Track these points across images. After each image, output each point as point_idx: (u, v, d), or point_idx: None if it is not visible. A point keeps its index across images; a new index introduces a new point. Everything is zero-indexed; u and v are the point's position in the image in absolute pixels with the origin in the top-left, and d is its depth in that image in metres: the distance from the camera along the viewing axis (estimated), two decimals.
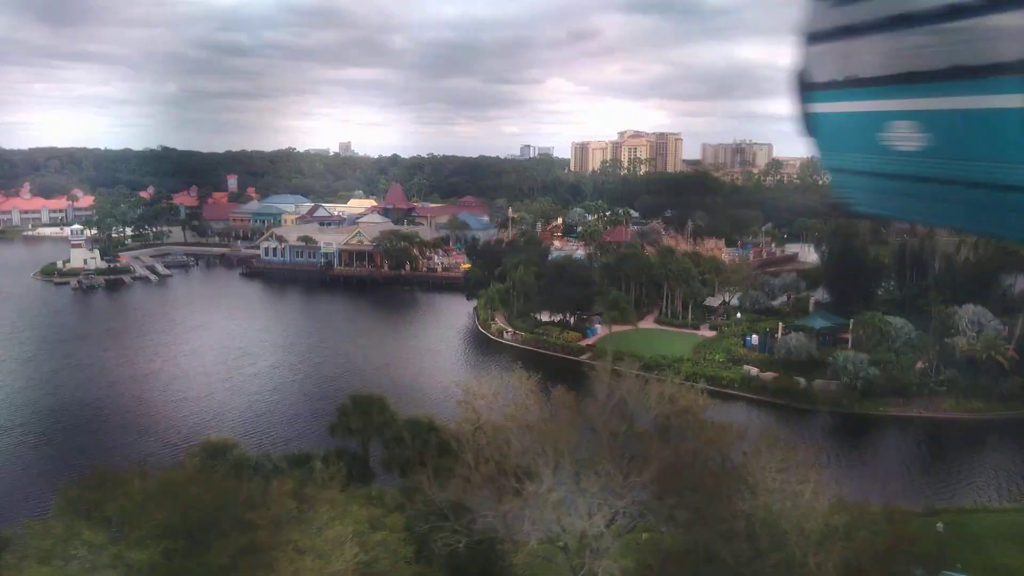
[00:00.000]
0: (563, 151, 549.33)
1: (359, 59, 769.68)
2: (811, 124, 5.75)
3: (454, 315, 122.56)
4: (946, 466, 63.37)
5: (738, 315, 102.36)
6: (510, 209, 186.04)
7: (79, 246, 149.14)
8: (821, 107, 5.69)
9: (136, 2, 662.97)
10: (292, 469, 38.87)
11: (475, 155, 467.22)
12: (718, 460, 25.81)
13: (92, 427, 67.23)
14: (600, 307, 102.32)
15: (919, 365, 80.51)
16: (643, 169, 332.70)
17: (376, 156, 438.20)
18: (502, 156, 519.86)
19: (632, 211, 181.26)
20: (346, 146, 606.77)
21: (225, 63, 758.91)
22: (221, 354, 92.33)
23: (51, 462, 58.38)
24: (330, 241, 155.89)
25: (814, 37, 5.60)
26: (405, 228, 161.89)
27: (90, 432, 65.87)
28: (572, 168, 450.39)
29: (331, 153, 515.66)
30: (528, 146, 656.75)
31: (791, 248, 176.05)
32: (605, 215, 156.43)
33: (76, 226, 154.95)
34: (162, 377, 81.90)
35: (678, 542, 23.52)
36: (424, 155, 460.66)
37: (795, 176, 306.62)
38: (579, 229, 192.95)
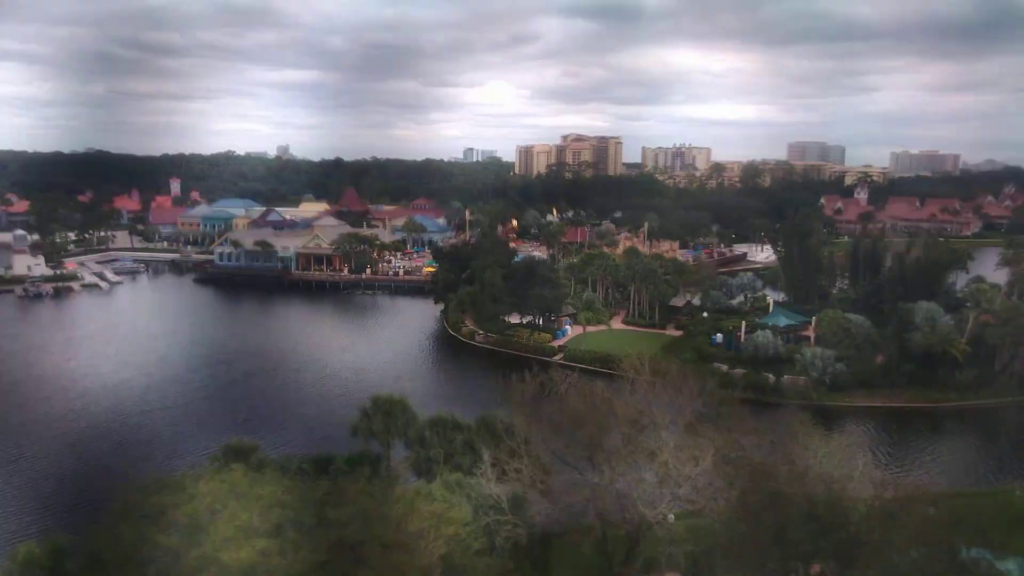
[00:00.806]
0: (506, 154, 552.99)
1: (296, 61, 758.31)
2: None
3: (420, 318, 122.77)
4: (909, 453, 66.97)
5: (704, 314, 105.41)
6: (468, 211, 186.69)
7: (23, 252, 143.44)
8: None
9: None
10: (317, 472, 39.23)
11: (417, 158, 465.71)
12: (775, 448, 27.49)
13: (69, 439, 65.41)
14: (572, 308, 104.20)
15: (879, 359, 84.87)
16: (589, 172, 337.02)
17: (318, 159, 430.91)
18: (445, 159, 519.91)
19: (581, 212, 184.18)
20: (284, 149, 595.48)
21: (156, 63, 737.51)
22: (192, 362, 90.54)
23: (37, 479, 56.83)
24: (287, 245, 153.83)
25: None
26: (364, 231, 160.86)
27: (69, 444, 64.12)
28: (517, 171, 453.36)
29: (269, 156, 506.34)
30: (471, 149, 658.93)
31: (739, 248, 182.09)
32: (566, 216, 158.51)
33: (19, 231, 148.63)
34: (135, 387, 79.89)
35: (738, 526, 25.05)
36: (367, 158, 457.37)
37: (736, 179, 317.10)
38: (533, 230, 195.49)
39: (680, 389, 33.11)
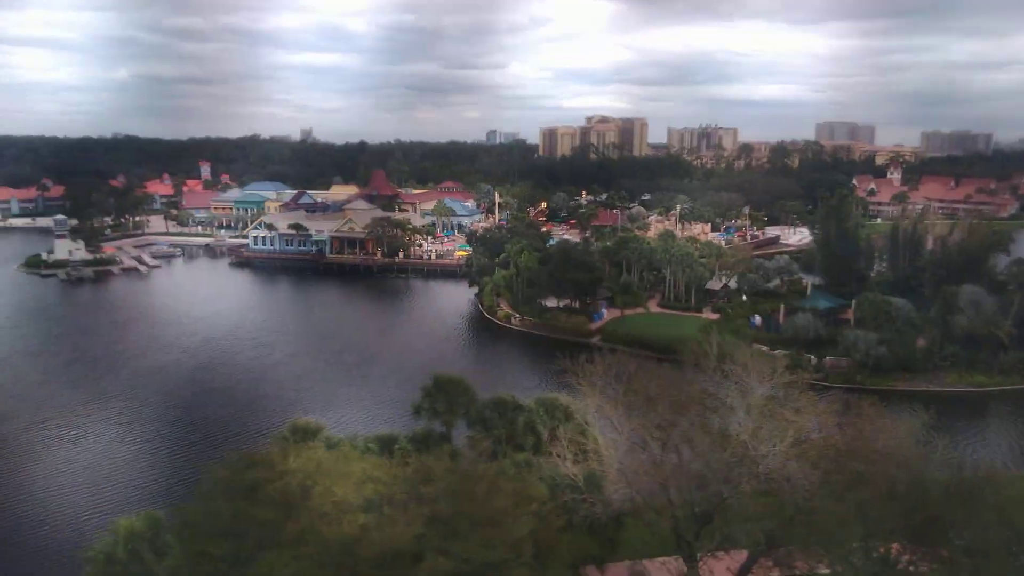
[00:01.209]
0: (528, 135, 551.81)
1: (317, 44, 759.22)
2: None
3: (455, 301, 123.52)
4: (959, 437, 66.74)
5: (743, 297, 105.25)
6: (497, 194, 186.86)
7: (63, 237, 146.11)
8: None
9: None
10: (382, 450, 40.11)
11: (439, 141, 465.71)
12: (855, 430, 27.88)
13: (124, 419, 67.17)
14: (609, 291, 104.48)
15: (920, 343, 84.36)
16: (617, 153, 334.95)
17: (342, 143, 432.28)
18: (468, 141, 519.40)
19: (613, 194, 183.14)
20: (307, 132, 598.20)
21: (179, 48, 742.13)
22: (236, 345, 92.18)
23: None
24: (321, 229, 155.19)
25: None
26: (396, 215, 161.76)
27: (125, 424, 65.88)
28: (541, 152, 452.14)
29: (292, 139, 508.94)
30: (494, 131, 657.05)
31: (771, 231, 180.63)
32: (598, 199, 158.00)
33: (60, 216, 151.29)
34: (183, 369, 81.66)
35: (820, 505, 25.50)
36: (391, 141, 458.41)
37: (765, 160, 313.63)
38: (562, 213, 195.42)
39: (749, 371, 33.46)
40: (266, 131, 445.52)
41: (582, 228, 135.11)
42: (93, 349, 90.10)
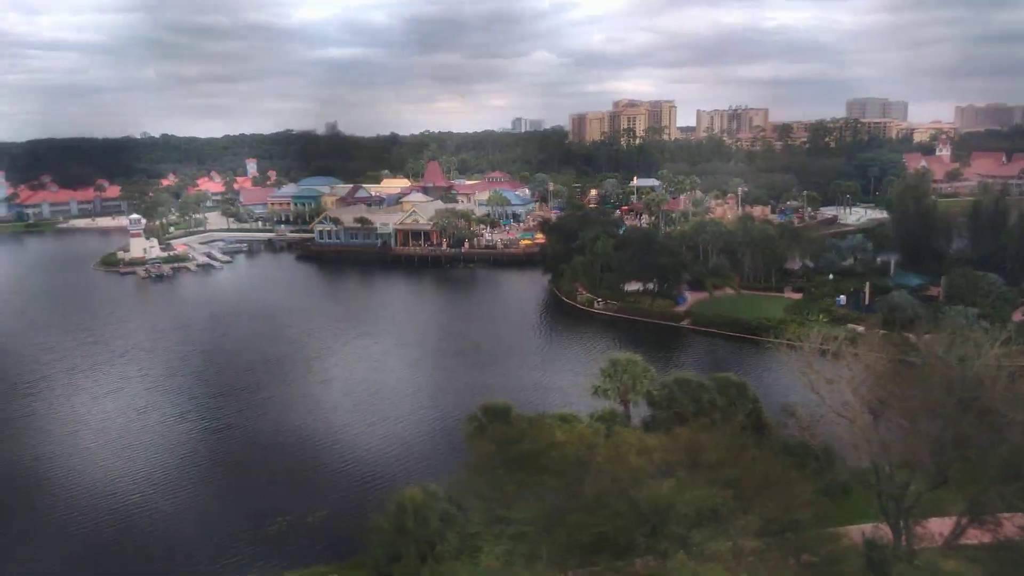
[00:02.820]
0: (552, 121, 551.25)
1: (340, 38, 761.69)
2: None
3: (530, 289, 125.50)
4: None
5: (830, 276, 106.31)
6: (551, 184, 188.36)
7: (138, 236, 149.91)
8: None
9: None
10: (563, 425, 42.25)
11: (466, 131, 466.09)
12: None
13: (268, 409, 70.01)
14: (695, 274, 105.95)
15: (1016, 317, 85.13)
16: (656, 136, 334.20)
17: (373, 135, 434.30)
18: (496, 130, 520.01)
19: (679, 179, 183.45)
20: (332, 126, 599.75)
21: (204, 47, 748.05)
22: (337, 335, 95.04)
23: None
24: (386, 221, 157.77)
25: None
26: (460, 206, 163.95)
27: (262, 414, 68.72)
28: (571, 139, 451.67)
29: (318, 134, 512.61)
30: (519, 119, 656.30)
31: (825, 211, 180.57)
32: (673, 184, 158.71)
33: (135, 216, 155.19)
34: (300, 359, 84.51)
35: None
36: (419, 132, 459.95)
37: (803, 139, 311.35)
38: (612, 200, 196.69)
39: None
40: (291, 125, 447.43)
41: (650, 213, 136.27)
42: (201, 343, 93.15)
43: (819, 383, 36.26)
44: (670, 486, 25.70)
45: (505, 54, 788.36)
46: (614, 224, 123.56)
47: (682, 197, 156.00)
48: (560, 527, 26.53)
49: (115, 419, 68.84)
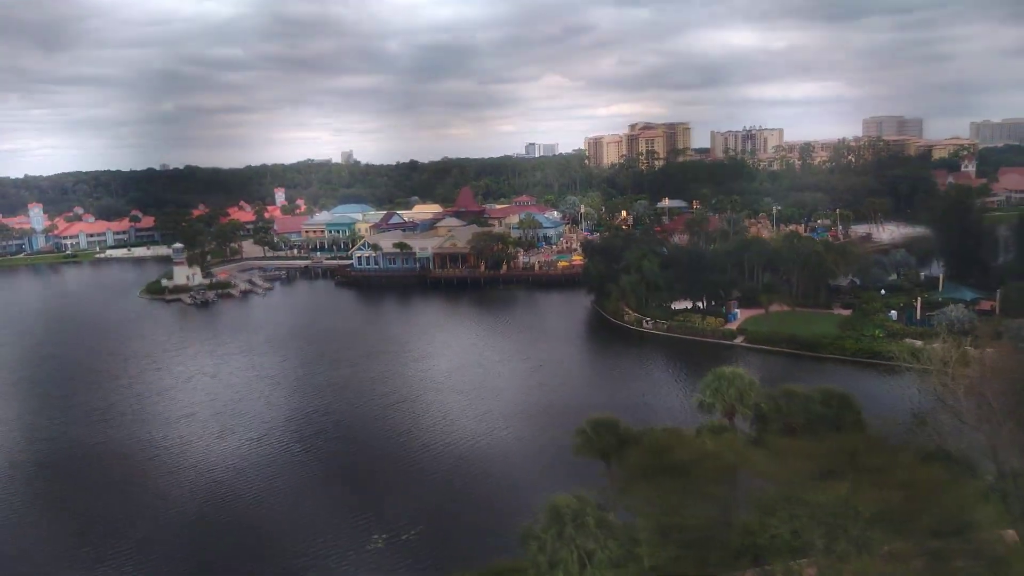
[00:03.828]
0: (565, 146, 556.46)
1: (354, 67, 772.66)
2: None
3: (573, 309, 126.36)
4: None
5: (882, 291, 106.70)
6: (582, 206, 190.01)
7: (181, 264, 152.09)
8: None
9: (129, 23, 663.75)
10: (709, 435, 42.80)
11: (481, 156, 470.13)
12: None
13: (365, 435, 70.95)
14: (746, 292, 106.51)
15: None
16: (681, 158, 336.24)
17: (393, 163, 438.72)
18: (512, 155, 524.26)
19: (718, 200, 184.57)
20: (349, 155, 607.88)
21: (220, 78, 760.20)
22: (394, 359, 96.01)
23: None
24: (424, 246, 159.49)
25: None
26: (497, 229, 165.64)
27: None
28: (588, 162, 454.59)
29: (334, 162, 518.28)
30: (533, 144, 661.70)
31: (859, 228, 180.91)
32: (711, 204, 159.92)
33: (178, 245, 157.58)
34: (365, 380, 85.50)
35: None
36: (431, 159, 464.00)
37: (824, 159, 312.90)
38: (645, 220, 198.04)
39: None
40: (306, 155, 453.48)
41: (691, 233, 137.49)
42: (267, 368, 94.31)
43: (948, 392, 36.91)
44: (844, 488, 26.34)
45: (516, 79, 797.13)
46: (659, 243, 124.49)
47: (714, 216, 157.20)
48: (729, 531, 27.15)
49: (194, 443, 69.85)
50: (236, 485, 59.59)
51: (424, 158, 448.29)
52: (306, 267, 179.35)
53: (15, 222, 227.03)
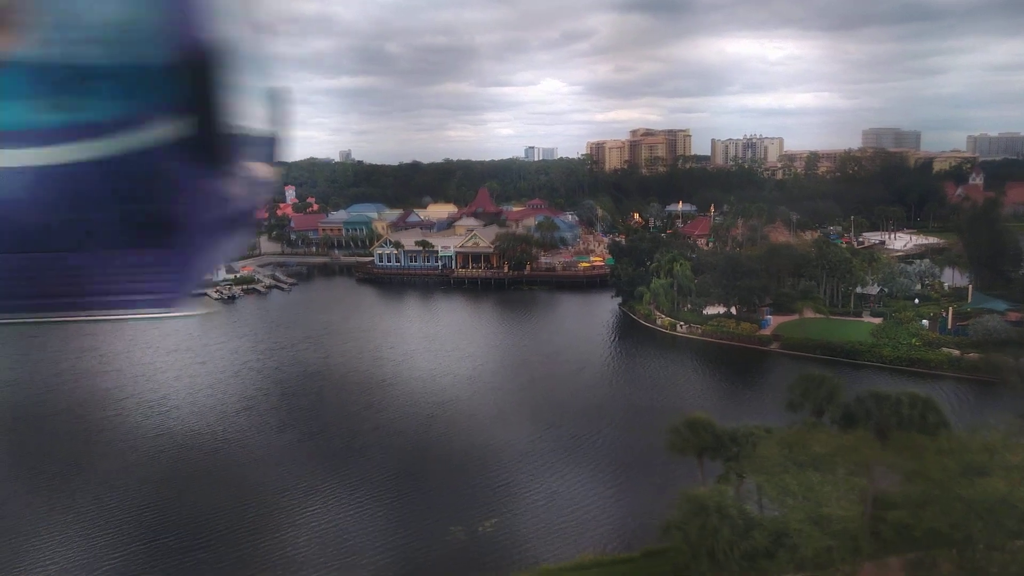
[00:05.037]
0: (565, 151, 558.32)
1: (353, 67, 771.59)
2: None
3: (600, 311, 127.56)
4: None
5: (915, 300, 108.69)
6: (600, 209, 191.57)
7: None
8: None
9: None
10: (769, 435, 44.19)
11: (477, 159, 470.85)
12: None
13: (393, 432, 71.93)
14: (780, 298, 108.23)
15: None
16: (687, 165, 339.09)
17: (395, 163, 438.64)
18: (508, 157, 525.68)
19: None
20: (347, 155, 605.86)
21: None
22: (436, 356, 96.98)
23: None
24: (446, 245, 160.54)
25: None
26: (520, 230, 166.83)
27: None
28: (596, 167, 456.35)
29: (333, 161, 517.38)
30: (532, 148, 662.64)
31: (871, 236, 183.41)
32: (733, 210, 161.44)
33: None
34: (412, 379, 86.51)
35: None
36: (436, 160, 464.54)
37: (830, 170, 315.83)
38: (657, 224, 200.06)
39: None
40: (303, 154, 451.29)
41: (718, 238, 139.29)
42: (316, 362, 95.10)
43: None
44: (1003, 483, 27.74)
45: (514, 83, 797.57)
46: (689, 247, 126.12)
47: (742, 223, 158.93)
48: (883, 523, 28.48)
49: (254, 436, 70.66)
50: (310, 478, 60.46)
51: (423, 159, 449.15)
52: (325, 264, 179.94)
53: None
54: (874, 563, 29.50)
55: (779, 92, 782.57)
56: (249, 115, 5.11)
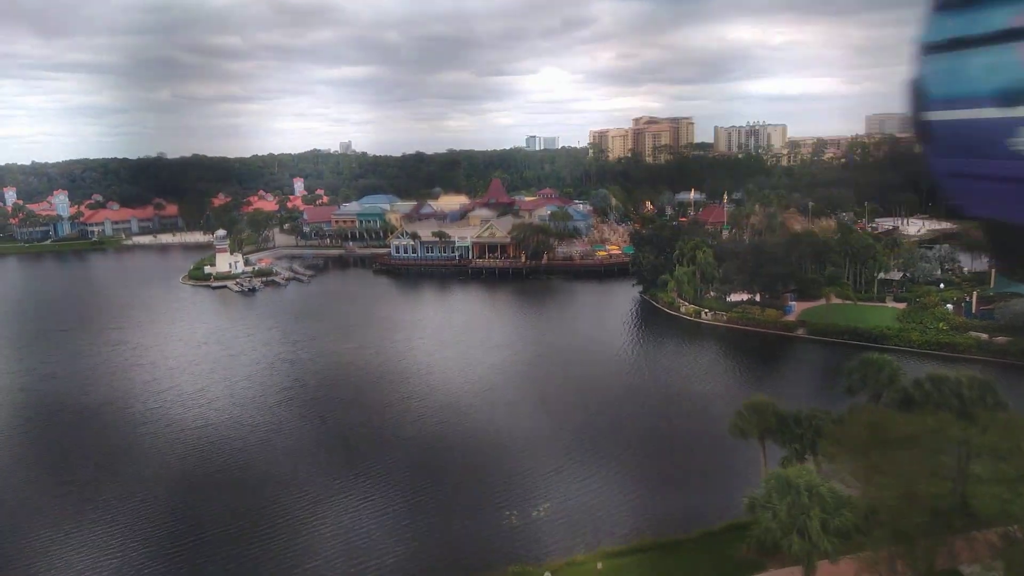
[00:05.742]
0: (566, 140, 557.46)
1: (353, 57, 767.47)
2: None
3: (621, 299, 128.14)
4: None
5: (940, 285, 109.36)
6: (613, 199, 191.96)
7: (224, 251, 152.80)
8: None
9: (127, 8, 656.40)
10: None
11: (477, 148, 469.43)
12: None
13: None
14: (806, 284, 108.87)
15: None
16: (691, 153, 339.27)
17: (397, 154, 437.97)
18: (513, 148, 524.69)
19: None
20: (347, 145, 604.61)
21: (218, 67, 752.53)
22: (465, 346, 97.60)
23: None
24: (463, 235, 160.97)
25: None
26: (534, 221, 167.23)
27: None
28: (601, 155, 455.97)
29: (334, 152, 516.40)
30: (533, 136, 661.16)
31: (885, 222, 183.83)
32: (756, 198, 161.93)
33: (220, 232, 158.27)
34: (445, 370, 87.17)
35: None
36: (439, 150, 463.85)
37: (836, 156, 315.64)
38: (669, 212, 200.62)
39: None
40: (305, 145, 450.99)
41: (737, 225, 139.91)
42: (348, 353, 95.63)
43: None
44: None
45: (514, 71, 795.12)
46: (711, 235, 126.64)
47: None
48: (966, 500, 29.21)
49: (298, 426, 71.32)
50: (357, 464, 61.17)
51: (424, 149, 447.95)
52: (340, 256, 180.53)
53: (38, 209, 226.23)
54: (962, 538, 30.22)
55: (781, 78, 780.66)
56: None
